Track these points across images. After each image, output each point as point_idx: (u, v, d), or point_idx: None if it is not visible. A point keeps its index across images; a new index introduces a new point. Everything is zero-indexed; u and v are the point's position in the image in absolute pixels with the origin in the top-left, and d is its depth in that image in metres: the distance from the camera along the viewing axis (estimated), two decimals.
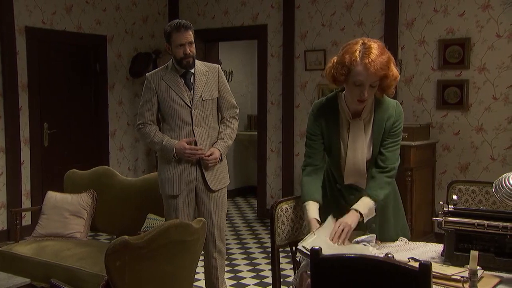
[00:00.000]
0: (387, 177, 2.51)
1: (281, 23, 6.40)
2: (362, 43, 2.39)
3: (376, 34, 5.76)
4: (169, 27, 3.43)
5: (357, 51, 2.36)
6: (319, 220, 2.43)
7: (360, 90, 2.39)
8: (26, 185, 5.78)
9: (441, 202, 2.37)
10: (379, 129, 2.53)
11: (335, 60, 2.45)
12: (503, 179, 2.21)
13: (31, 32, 5.74)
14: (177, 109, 3.44)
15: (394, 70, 2.42)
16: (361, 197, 2.46)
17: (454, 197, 2.49)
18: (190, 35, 3.41)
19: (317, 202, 2.49)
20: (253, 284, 4.39)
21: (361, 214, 2.41)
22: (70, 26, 6.14)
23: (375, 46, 2.37)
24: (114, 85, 6.70)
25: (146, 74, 3.60)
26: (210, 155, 3.44)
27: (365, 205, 2.43)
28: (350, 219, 2.38)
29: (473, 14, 5.27)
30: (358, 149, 2.53)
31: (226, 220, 6.58)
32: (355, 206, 2.43)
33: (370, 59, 2.32)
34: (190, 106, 3.44)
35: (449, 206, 2.34)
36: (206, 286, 3.66)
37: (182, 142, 3.40)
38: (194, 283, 3.92)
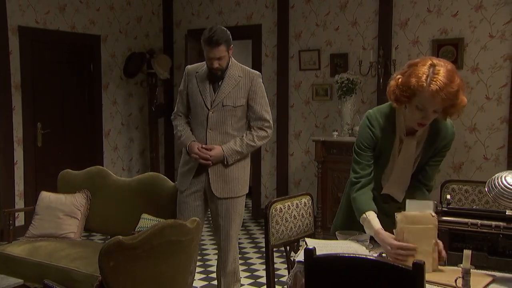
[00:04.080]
0: (428, 192, 2.58)
1: (276, 23, 6.40)
2: (430, 64, 2.24)
3: (370, 34, 5.77)
4: (203, 36, 3.28)
5: (425, 75, 2.22)
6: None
7: (422, 115, 2.29)
8: (19, 186, 5.76)
9: (434, 202, 2.38)
10: (430, 149, 2.51)
11: (399, 80, 2.31)
12: (496, 178, 2.22)
13: (24, 32, 5.71)
14: (197, 108, 3.40)
15: (462, 98, 2.27)
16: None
17: (448, 196, 2.51)
18: (219, 51, 3.24)
19: (375, 212, 2.43)
20: (248, 284, 4.39)
21: None
22: (63, 26, 6.11)
23: (445, 72, 2.22)
24: (108, 85, 6.68)
25: (187, 66, 3.60)
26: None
27: None
28: None
29: (466, 14, 5.29)
30: (406, 165, 2.52)
31: None
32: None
33: (437, 87, 2.18)
34: (209, 108, 3.35)
35: (443, 206, 2.35)
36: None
37: (195, 143, 3.37)
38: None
